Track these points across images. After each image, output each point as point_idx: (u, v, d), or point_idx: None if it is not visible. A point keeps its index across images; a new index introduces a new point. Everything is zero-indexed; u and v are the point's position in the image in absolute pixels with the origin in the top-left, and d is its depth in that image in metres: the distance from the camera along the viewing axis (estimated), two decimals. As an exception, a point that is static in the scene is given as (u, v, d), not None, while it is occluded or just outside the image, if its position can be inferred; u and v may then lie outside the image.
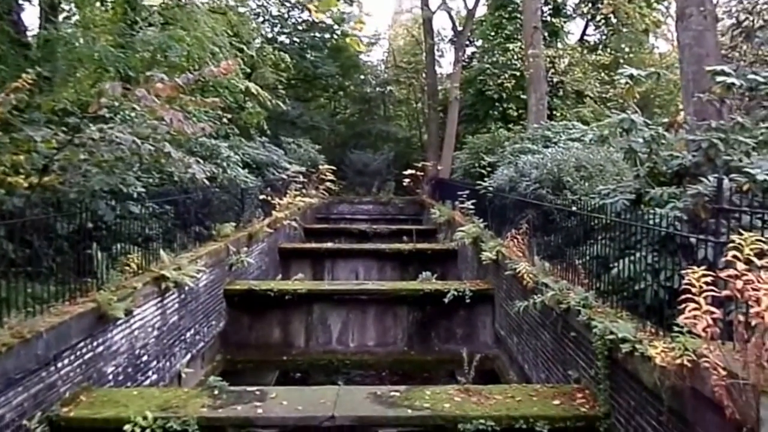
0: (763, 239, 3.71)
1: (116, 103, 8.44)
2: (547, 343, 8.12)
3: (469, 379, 6.84)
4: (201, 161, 9.44)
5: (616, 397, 5.89)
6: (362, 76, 40.56)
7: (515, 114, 27.56)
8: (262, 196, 16.10)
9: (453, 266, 15.57)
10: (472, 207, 14.23)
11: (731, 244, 3.61)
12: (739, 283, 3.46)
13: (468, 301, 11.28)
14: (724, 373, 3.87)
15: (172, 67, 13.67)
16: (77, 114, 8.33)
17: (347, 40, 29.65)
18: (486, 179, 14.31)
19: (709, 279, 3.80)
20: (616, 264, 6.49)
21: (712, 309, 3.76)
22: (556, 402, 6.30)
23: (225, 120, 16.96)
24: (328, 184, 24.22)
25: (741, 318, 3.63)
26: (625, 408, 5.68)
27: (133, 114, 9.75)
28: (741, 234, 3.84)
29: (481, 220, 13.16)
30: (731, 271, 3.56)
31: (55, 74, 12.34)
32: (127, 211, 8.30)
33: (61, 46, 12.43)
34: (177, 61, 14.07)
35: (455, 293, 11.26)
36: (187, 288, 9.49)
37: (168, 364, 8.82)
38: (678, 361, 4.36)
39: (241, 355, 11.59)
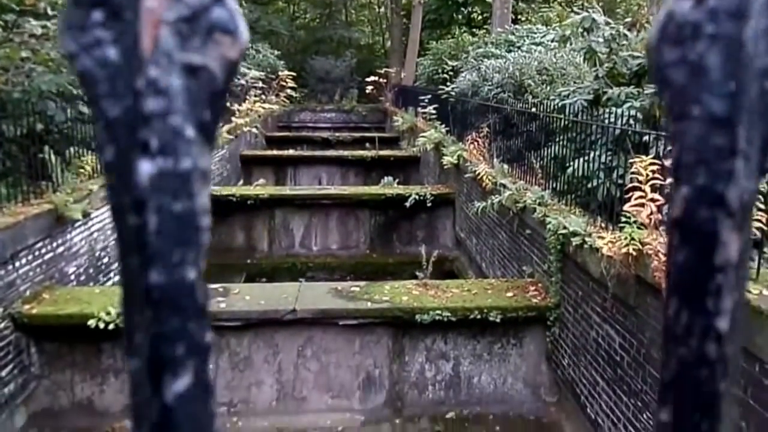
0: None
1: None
2: (503, 242, 8.39)
3: (428, 275, 7.07)
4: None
5: (566, 288, 6.20)
6: (323, -22, 38.76)
7: (480, 18, 26.97)
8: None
9: (415, 172, 15.66)
10: (434, 113, 14.16)
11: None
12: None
13: (429, 205, 11.46)
14: (665, 258, 4.10)
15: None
16: (15, 9, 7.84)
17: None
18: (449, 84, 14.18)
19: (655, 168, 3.93)
20: (571, 164, 6.64)
21: (656, 197, 3.91)
22: (510, 294, 6.61)
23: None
24: (288, 91, 23.64)
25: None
26: (574, 298, 6.00)
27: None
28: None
29: (444, 126, 13.15)
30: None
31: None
32: (78, 112, 8.01)
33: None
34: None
35: (416, 197, 11.41)
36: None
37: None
38: (624, 250, 4.59)
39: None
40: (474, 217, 9.85)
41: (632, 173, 4.09)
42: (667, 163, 3.97)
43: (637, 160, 4.04)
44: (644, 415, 4.58)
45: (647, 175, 3.90)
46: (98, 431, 6.13)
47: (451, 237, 11.87)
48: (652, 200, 3.90)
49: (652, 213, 3.91)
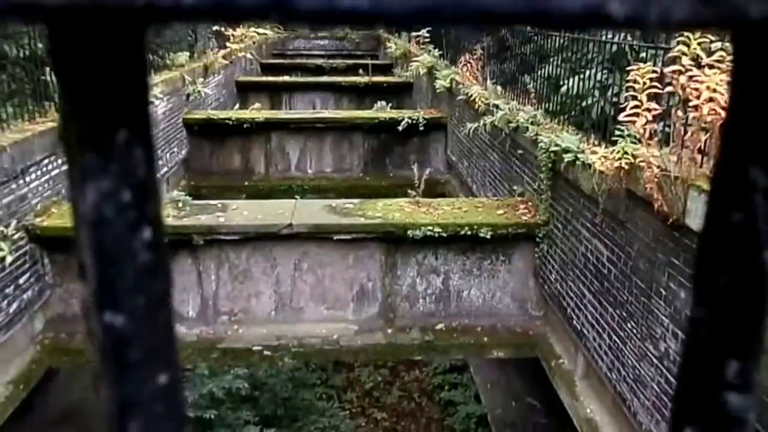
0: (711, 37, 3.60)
1: None
2: (495, 163, 8.22)
3: (420, 193, 6.94)
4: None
5: (556, 206, 6.09)
6: None
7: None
8: (214, 27, 15.06)
9: (408, 98, 15.28)
10: (427, 37, 13.64)
11: (679, 38, 3.49)
12: (683, 79, 3.40)
13: (421, 128, 11.20)
14: (657, 170, 3.96)
15: None
16: None
17: None
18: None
19: (653, 76, 3.73)
20: (565, 82, 6.40)
21: (653, 105, 3.72)
22: (500, 212, 6.50)
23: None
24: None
25: (680, 114, 3.62)
26: (563, 215, 5.90)
27: None
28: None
29: (437, 50, 12.70)
30: (676, 67, 3.48)
31: None
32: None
33: None
34: None
35: (409, 121, 11.14)
36: (144, 113, 9.17)
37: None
38: (616, 164, 4.44)
39: (204, 181, 11.50)
40: (466, 140, 9.64)
41: (628, 85, 3.89)
42: (666, 71, 3.77)
43: (634, 68, 3.82)
44: (628, 324, 4.57)
45: (644, 83, 3.69)
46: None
47: (442, 161, 11.68)
48: (648, 110, 3.71)
49: (647, 122, 3.73)
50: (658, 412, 4.08)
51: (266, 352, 6.43)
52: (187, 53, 12.31)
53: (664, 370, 4.01)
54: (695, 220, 3.63)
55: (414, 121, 11.14)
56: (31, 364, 5.86)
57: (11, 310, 5.59)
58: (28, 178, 5.92)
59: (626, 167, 4.36)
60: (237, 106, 15.48)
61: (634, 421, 4.47)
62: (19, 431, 5.67)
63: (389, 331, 6.58)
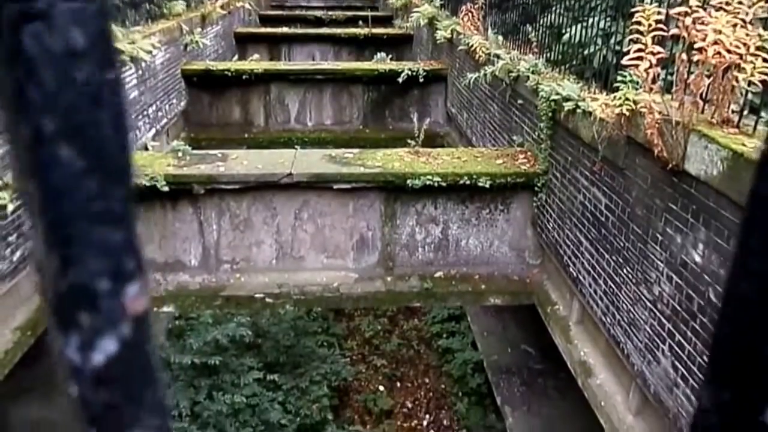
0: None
1: None
2: (494, 114, 8.12)
3: (419, 143, 6.87)
4: None
5: (555, 155, 6.04)
6: None
7: None
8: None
9: (408, 50, 14.99)
10: (429, -13, 13.28)
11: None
12: (689, 20, 3.30)
13: (421, 80, 11.02)
14: (658, 116, 3.90)
15: None
16: None
17: None
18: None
19: (658, 18, 3.62)
20: (567, 30, 6.24)
21: (657, 48, 3.63)
22: (499, 161, 6.45)
23: None
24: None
25: (684, 57, 3.54)
26: (562, 164, 5.86)
27: None
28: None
29: (438, 0, 12.38)
30: (682, 8, 3.38)
31: None
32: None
33: None
34: None
35: (409, 73, 10.94)
36: (143, 64, 8.97)
37: (133, 136, 8.59)
38: (617, 111, 4.37)
39: (204, 133, 11.38)
40: (466, 92, 9.49)
41: (632, 28, 3.78)
42: (672, 12, 3.66)
43: (639, 9, 3.71)
44: (624, 270, 4.58)
45: (649, 25, 3.59)
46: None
47: (442, 113, 11.54)
48: (652, 53, 3.62)
49: (650, 66, 3.64)
50: (650, 353, 4.14)
51: (268, 300, 6.49)
52: (184, 2, 11.98)
53: (658, 313, 4.05)
54: (694, 165, 3.60)
55: (414, 73, 10.95)
56: (38, 312, 5.91)
57: (15, 258, 5.59)
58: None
59: (627, 114, 4.29)
60: (236, 57, 15.21)
61: (627, 362, 4.54)
62: (27, 377, 5.76)
63: (389, 279, 6.62)
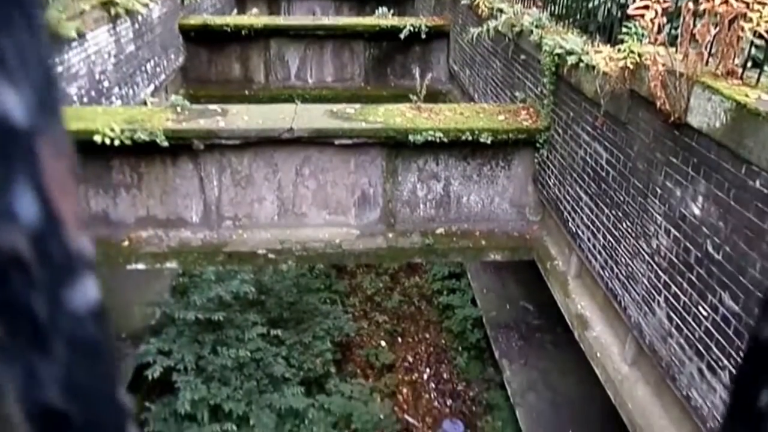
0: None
1: None
2: (497, 71, 8.02)
3: (421, 99, 6.81)
4: None
5: (557, 111, 5.99)
6: None
7: None
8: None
9: (410, 6, 14.72)
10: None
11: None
12: (697, -32, 3.24)
13: (424, 37, 10.85)
14: (662, 67, 3.86)
15: None
16: None
17: None
18: None
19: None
20: (572, -18, 6.12)
21: (664, -2, 3.57)
22: (501, 117, 6.41)
23: None
24: None
25: (690, 6, 3.48)
26: (564, 120, 5.82)
27: None
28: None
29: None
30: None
31: None
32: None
33: None
34: None
35: (411, 29, 10.76)
36: (140, 18, 8.81)
37: (131, 92, 8.51)
38: (621, 64, 4.32)
39: (203, 90, 11.26)
40: (468, 48, 9.36)
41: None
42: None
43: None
44: (623, 224, 4.61)
45: (658, -27, 3.53)
46: (116, 239, 6.22)
47: (444, 71, 11.40)
48: (659, 1, 3.56)
49: (656, 15, 3.59)
50: (647, 305, 4.20)
51: (270, 256, 6.55)
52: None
53: (655, 266, 4.09)
54: (697, 117, 3.58)
55: (416, 29, 10.77)
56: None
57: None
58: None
59: (631, 66, 4.25)
60: (234, 12, 14.93)
61: (624, 314, 4.61)
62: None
63: (390, 235, 6.66)
